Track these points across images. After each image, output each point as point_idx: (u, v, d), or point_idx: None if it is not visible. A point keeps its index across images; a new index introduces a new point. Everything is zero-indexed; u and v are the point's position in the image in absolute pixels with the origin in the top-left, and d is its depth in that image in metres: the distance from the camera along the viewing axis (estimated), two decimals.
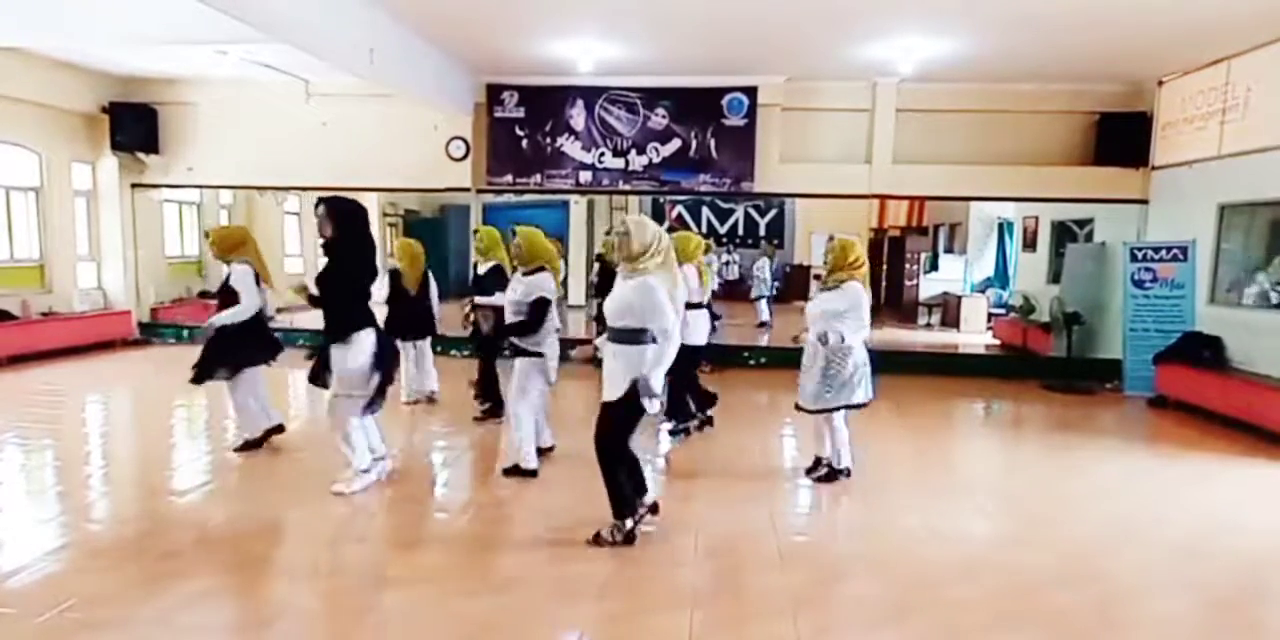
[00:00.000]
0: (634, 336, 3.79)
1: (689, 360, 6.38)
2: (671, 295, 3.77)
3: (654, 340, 3.76)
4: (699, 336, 6.20)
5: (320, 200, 4.46)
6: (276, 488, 4.86)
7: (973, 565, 3.91)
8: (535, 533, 4.16)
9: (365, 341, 4.50)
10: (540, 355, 5.00)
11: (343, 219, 4.43)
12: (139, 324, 10.47)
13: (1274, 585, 3.92)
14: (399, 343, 6.49)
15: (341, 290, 4.49)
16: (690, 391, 6.38)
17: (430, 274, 6.99)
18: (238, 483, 4.98)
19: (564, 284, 7.83)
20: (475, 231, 6.90)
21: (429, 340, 7.18)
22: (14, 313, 8.97)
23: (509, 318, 5.08)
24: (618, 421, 3.87)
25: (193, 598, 3.36)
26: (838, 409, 4.96)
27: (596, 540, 3.95)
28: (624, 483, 3.95)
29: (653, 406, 3.84)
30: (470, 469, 5.48)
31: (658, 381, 3.79)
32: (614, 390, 3.83)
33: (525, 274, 5.09)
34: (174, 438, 6.13)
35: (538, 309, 4.94)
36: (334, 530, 4.22)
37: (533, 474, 5.04)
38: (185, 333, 10.52)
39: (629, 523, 3.97)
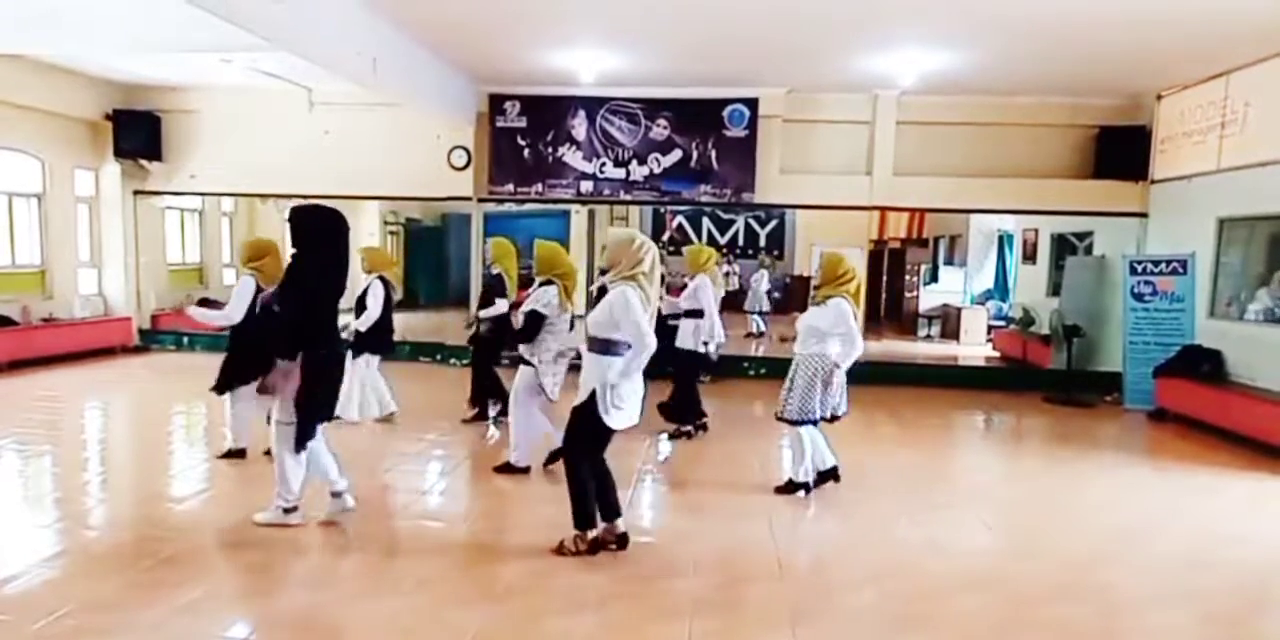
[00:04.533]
0: (607, 346, 3.80)
1: (693, 366, 6.46)
2: (644, 306, 3.75)
3: (626, 350, 3.76)
4: (699, 344, 6.32)
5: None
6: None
7: (973, 577, 3.90)
8: (533, 542, 4.13)
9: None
10: (531, 365, 5.06)
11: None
12: (139, 331, 10.46)
13: (1275, 597, 3.91)
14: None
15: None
16: (693, 396, 6.51)
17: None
18: (235, 489, 4.96)
19: (582, 297, 7.67)
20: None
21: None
22: (14, 318, 8.96)
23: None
24: (577, 429, 3.89)
25: (190, 604, 3.35)
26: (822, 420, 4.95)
27: (559, 550, 3.93)
28: (585, 494, 3.91)
29: (615, 421, 3.79)
30: (466, 478, 5.46)
31: (631, 395, 3.78)
32: (580, 396, 3.85)
33: (538, 285, 5.16)
34: (172, 444, 6.12)
35: (529, 320, 4.99)
36: (330, 537, 4.20)
37: (524, 471, 5.25)
38: (185, 340, 10.54)
39: (591, 533, 3.94)
